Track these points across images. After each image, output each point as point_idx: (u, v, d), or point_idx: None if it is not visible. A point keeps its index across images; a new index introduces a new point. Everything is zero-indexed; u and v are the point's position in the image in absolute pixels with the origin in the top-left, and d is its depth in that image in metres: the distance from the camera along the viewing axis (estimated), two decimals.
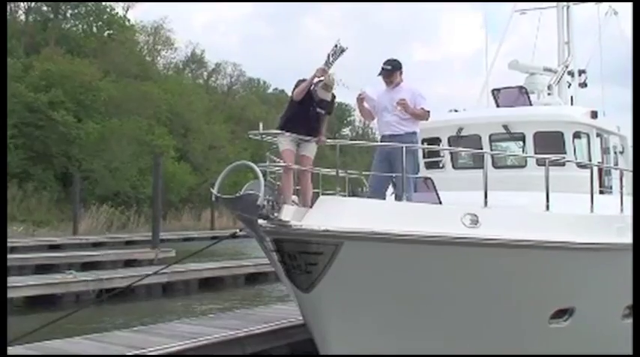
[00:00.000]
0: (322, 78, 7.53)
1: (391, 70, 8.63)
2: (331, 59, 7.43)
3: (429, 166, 11.09)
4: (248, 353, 9.47)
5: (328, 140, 7.99)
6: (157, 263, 21.34)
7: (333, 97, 7.81)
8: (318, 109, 7.67)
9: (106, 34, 50.35)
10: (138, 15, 69.77)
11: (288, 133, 7.45)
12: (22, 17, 47.26)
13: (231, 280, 19.74)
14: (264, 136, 7.70)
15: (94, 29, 50.21)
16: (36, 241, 28.76)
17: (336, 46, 7.39)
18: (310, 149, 7.65)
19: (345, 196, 7.52)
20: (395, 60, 8.72)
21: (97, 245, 29.71)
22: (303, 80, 7.66)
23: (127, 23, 52.90)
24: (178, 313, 14.67)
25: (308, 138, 7.58)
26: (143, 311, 15.11)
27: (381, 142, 8.63)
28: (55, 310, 12.91)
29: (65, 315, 9.18)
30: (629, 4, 11.62)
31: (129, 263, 22.40)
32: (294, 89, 7.73)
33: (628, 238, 8.45)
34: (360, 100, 8.87)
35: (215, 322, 10.54)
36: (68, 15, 49.57)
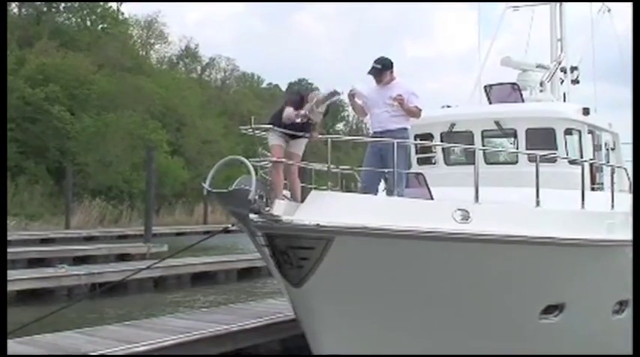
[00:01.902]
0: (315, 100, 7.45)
1: (381, 69, 8.62)
2: (327, 101, 7.42)
3: (422, 161, 11.12)
4: (240, 348, 9.49)
5: (320, 135, 8.00)
6: (149, 258, 21.25)
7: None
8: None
9: (99, 27, 50.11)
10: (131, 9, 69.45)
11: (277, 128, 7.46)
12: (15, 10, 46.96)
13: (224, 275, 19.75)
14: (255, 130, 7.71)
15: (88, 23, 49.97)
16: (28, 234, 28.65)
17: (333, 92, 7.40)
18: (299, 146, 7.66)
19: (337, 191, 7.54)
20: (386, 59, 8.68)
21: (89, 239, 29.60)
22: (298, 93, 7.65)
23: (120, 17, 52.68)
24: (171, 308, 14.66)
25: (299, 133, 7.59)
26: (135, 306, 15.09)
27: (372, 138, 8.64)
28: (47, 304, 12.90)
29: (57, 309, 9.18)
30: (623, 3, 11.66)
31: (121, 257, 22.36)
32: (287, 99, 7.72)
33: (619, 235, 8.50)
34: (351, 96, 8.87)
35: (207, 316, 10.56)
36: (61, 8, 49.29)
